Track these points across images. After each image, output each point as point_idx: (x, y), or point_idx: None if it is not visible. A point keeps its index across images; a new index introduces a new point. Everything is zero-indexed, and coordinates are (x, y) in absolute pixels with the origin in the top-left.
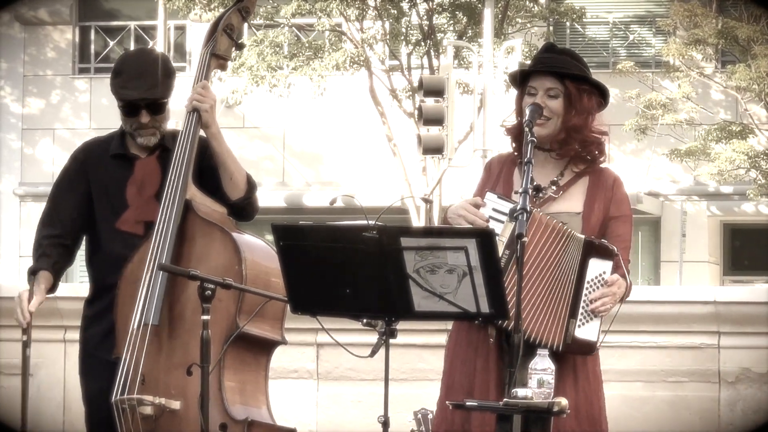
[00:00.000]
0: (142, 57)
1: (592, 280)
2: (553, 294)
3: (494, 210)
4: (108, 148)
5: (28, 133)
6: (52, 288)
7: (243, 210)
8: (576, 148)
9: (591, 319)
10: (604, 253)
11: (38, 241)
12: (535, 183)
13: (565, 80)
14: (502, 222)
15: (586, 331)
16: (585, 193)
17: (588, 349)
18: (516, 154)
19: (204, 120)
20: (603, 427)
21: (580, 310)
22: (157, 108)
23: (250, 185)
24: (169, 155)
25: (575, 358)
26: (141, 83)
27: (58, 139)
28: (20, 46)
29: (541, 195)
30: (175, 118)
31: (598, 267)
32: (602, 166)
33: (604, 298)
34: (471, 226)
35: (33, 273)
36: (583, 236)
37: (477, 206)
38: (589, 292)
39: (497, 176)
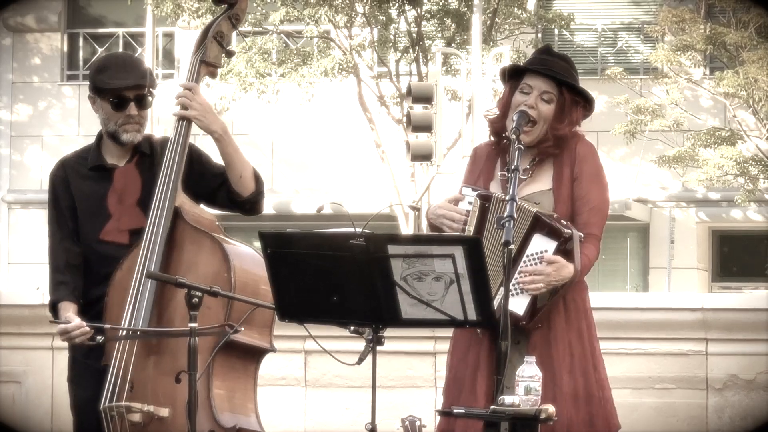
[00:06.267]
0: (124, 55)
1: (532, 255)
2: (493, 262)
3: (469, 203)
4: (85, 162)
5: (16, 140)
6: (79, 309)
7: (255, 204)
8: (555, 152)
9: (520, 292)
10: (552, 233)
11: (54, 261)
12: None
13: (562, 87)
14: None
15: (513, 302)
16: (553, 168)
17: (514, 321)
18: (494, 147)
19: (201, 127)
20: (607, 406)
21: (513, 281)
22: (144, 103)
23: (258, 180)
24: (146, 161)
25: (571, 339)
26: (130, 75)
27: (47, 146)
28: (8, 53)
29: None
30: (164, 125)
31: (540, 244)
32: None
33: (535, 276)
34: (452, 225)
35: (54, 306)
36: (535, 210)
37: (456, 201)
38: (525, 266)
39: (480, 170)
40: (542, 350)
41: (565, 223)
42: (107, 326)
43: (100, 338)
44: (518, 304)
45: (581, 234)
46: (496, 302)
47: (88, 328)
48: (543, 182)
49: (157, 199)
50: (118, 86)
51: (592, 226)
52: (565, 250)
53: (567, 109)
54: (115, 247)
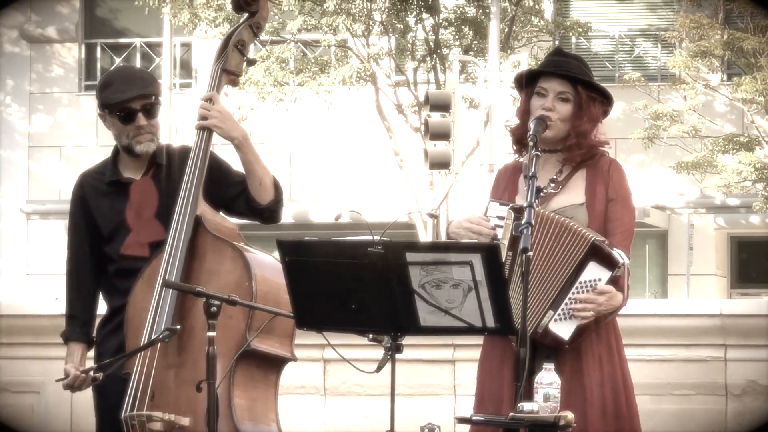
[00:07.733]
0: (126, 68)
1: (585, 282)
2: (543, 282)
3: (498, 217)
4: (102, 177)
5: (35, 151)
6: (89, 345)
7: (274, 212)
8: (582, 153)
9: (569, 317)
10: (607, 262)
11: (67, 292)
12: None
13: (577, 86)
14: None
15: (560, 326)
16: (585, 183)
17: (556, 344)
18: (517, 156)
19: (222, 135)
20: (633, 421)
21: (562, 306)
22: (152, 112)
23: (277, 188)
24: (163, 172)
25: (601, 354)
26: (133, 86)
27: (65, 156)
28: (27, 63)
29: (542, 194)
30: (182, 135)
31: (595, 272)
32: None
33: (587, 303)
34: (477, 238)
35: (66, 341)
36: (593, 237)
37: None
38: (578, 292)
39: (504, 186)
40: (572, 364)
41: (617, 251)
42: (94, 366)
43: (99, 375)
44: (565, 330)
45: (628, 262)
46: (543, 324)
47: (83, 375)
48: (575, 195)
49: (178, 208)
50: (123, 99)
51: (624, 248)
52: (613, 278)
53: (585, 106)
54: (137, 260)
